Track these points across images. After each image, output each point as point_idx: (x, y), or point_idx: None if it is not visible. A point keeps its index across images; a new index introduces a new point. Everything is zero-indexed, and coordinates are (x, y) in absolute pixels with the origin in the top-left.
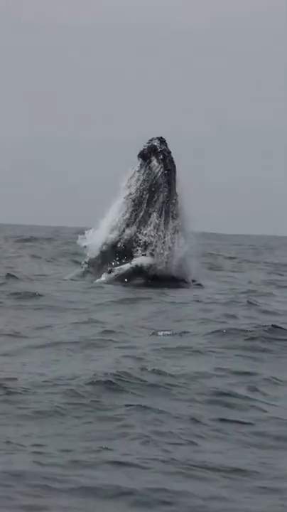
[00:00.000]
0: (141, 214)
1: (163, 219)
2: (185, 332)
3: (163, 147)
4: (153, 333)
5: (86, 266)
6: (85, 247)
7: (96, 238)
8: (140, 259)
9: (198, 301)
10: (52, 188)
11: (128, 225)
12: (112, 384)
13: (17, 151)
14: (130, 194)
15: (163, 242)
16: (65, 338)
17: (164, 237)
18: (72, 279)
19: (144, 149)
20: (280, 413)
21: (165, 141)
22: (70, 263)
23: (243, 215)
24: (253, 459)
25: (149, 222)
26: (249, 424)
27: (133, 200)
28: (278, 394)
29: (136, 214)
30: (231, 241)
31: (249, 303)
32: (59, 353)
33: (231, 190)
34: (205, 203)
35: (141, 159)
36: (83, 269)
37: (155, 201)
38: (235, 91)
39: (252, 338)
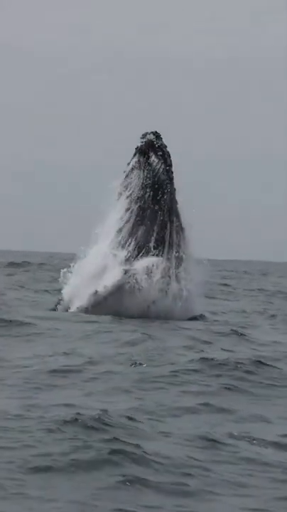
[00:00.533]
0: (144, 226)
1: (166, 249)
2: (171, 363)
3: (160, 142)
4: (138, 364)
5: (65, 304)
6: (63, 288)
7: (86, 270)
8: (154, 259)
9: (187, 328)
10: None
11: (124, 246)
12: (97, 422)
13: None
14: (132, 193)
15: (169, 277)
16: (51, 367)
17: (168, 270)
18: (59, 305)
19: (141, 145)
20: (270, 456)
21: (160, 136)
22: (59, 291)
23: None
24: (253, 503)
25: (149, 248)
26: (240, 465)
27: (138, 199)
28: (267, 434)
29: (140, 218)
30: (223, 266)
31: (239, 333)
32: (43, 385)
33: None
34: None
35: (137, 155)
36: (60, 306)
37: (160, 199)
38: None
39: (240, 370)
